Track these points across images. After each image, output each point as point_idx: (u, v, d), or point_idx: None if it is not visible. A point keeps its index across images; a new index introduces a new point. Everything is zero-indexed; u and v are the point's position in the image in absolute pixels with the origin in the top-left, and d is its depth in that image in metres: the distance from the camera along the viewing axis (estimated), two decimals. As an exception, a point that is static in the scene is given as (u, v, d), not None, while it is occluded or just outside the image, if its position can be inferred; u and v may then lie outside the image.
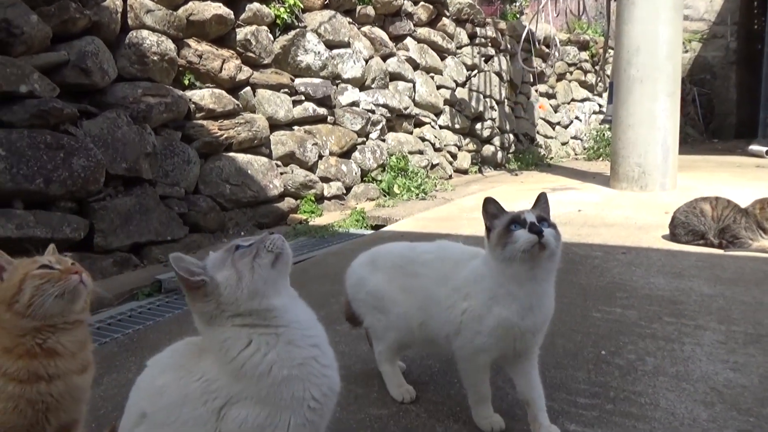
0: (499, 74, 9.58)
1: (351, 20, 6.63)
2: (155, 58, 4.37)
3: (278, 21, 5.59)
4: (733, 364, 2.16)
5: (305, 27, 5.90)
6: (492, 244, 1.65)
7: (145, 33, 4.34)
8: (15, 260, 1.39)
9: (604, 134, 10.64)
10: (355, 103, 6.58)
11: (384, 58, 7.15)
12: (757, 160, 8.95)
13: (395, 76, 7.33)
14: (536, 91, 10.86)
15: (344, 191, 6.28)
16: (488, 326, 1.64)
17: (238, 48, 5.19)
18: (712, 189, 5.21)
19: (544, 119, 11.08)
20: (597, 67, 12.33)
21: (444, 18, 8.19)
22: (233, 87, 5.13)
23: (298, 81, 5.81)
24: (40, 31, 3.61)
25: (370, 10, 6.86)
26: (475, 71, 9.02)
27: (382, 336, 1.98)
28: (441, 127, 8.30)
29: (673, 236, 4.06)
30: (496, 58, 9.52)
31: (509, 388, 1.92)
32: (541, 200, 1.74)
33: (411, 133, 7.66)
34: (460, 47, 8.69)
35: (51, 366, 1.32)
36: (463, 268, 1.79)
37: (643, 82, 6.17)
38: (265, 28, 5.46)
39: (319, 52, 5.94)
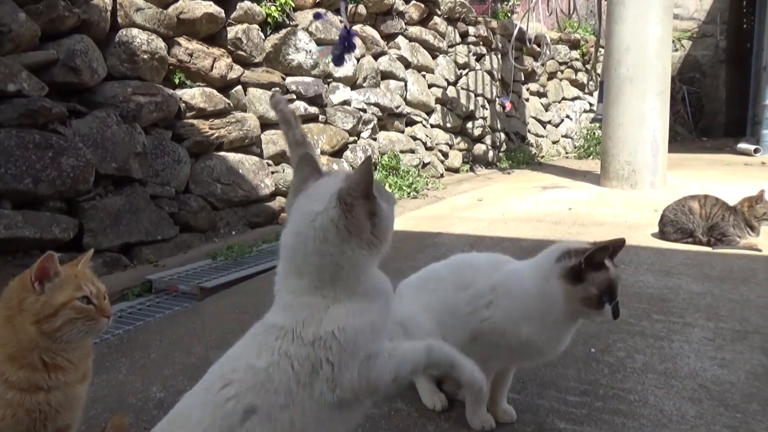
0: (490, 73, 9.60)
1: (342, 19, 6.62)
2: (145, 56, 4.34)
3: (269, 19, 5.57)
4: (720, 361, 2.18)
5: (296, 25, 5.89)
6: (573, 292, 1.54)
7: (135, 31, 4.31)
8: (62, 271, 1.36)
9: (594, 133, 10.69)
10: (346, 102, 6.58)
11: (375, 57, 7.15)
12: (745, 158, 9.03)
13: (387, 75, 7.33)
14: (527, 89, 10.90)
15: (336, 190, 6.27)
16: (510, 343, 1.63)
17: (229, 47, 5.17)
18: (702, 187, 5.26)
19: (534, 118, 11.11)
20: (588, 66, 12.39)
21: (435, 17, 8.20)
22: (224, 86, 5.11)
23: (289, 80, 5.80)
24: (28, 29, 3.58)
25: (361, 9, 6.85)
26: (467, 70, 9.04)
27: None
28: (432, 126, 8.30)
29: (662, 234, 4.09)
30: (487, 57, 9.54)
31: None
32: (620, 247, 1.65)
33: (402, 132, 7.67)
34: (451, 46, 8.71)
35: (52, 379, 1.33)
36: (485, 274, 1.74)
37: (633, 81, 6.21)
38: (256, 26, 5.44)
39: (310, 51, 5.93)
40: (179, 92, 4.68)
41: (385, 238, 1.21)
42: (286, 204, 1.18)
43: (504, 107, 9.64)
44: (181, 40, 4.76)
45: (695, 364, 2.16)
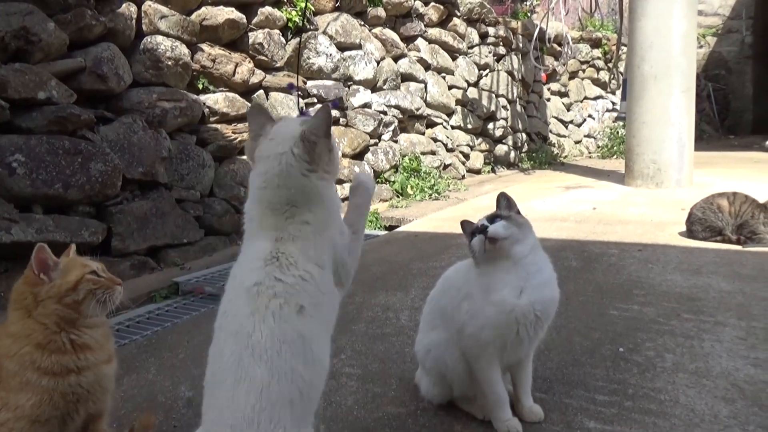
0: (510, 73, 9.55)
1: (362, 22, 6.65)
2: (169, 63, 4.41)
3: (290, 24, 5.62)
4: (753, 360, 2.13)
5: (317, 29, 5.93)
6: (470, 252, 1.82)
7: (159, 38, 4.39)
8: (61, 260, 1.47)
9: (618, 132, 10.55)
10: (367, 105, 6.60)
11: (395, 59, 7.16)
12: (774, 155, 8.82)
13: (407, 77, 7.33)
14: (549, 89, 10.80)
15: (357, 192, 6.28)
16: (489, 317, 1.68)
17: (250, 52, 5.22)
18: (729, 185, 5.15)
19: (556, 118, 11.02)
20: (610, 65, 12.24)
21: (455, 18, 8.19)
22: (246, 90, 5.17)
23: (310, 83, 5.84)
24: (57, 38, 3.66)
25: (380, 12, 6.87)
26: (487, 71, 9.00)
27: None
28: (453, 128, 8.29)
29: (689, 233, 4.02)
30: (507, 57, 9.49)
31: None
32: (500, 200, 1.88)
33: (423, 133, 7.66)
34: (471, 47, 8.68)
35: (82, 359, 1.41)
36: (463, 272, 1.88)
37: (657, 78, 6.12)
38: (277, 31, 5.49)
39: (330, 55, 5.97)
40: (203, 97, 4.75)
41: (338, 167, 1.47)
42: (246, 149, 1.40)
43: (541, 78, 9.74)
44: (204, 46, 4.82)
45: (727, 364, 2.12)
